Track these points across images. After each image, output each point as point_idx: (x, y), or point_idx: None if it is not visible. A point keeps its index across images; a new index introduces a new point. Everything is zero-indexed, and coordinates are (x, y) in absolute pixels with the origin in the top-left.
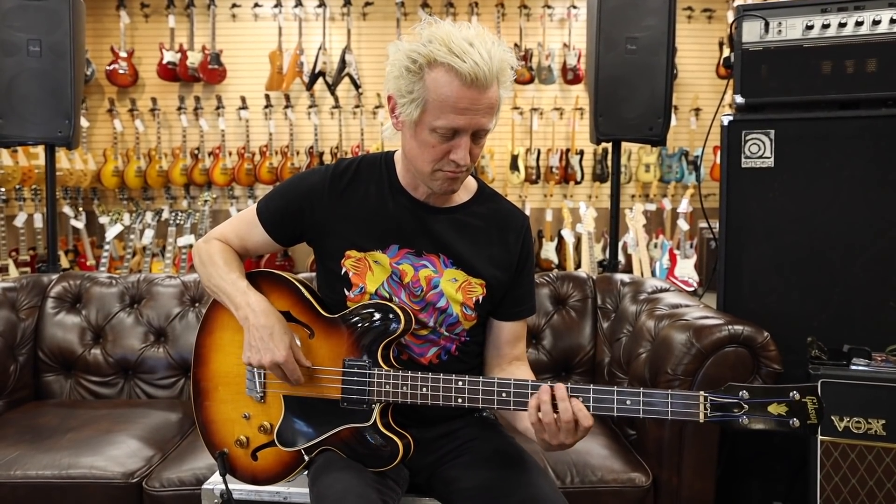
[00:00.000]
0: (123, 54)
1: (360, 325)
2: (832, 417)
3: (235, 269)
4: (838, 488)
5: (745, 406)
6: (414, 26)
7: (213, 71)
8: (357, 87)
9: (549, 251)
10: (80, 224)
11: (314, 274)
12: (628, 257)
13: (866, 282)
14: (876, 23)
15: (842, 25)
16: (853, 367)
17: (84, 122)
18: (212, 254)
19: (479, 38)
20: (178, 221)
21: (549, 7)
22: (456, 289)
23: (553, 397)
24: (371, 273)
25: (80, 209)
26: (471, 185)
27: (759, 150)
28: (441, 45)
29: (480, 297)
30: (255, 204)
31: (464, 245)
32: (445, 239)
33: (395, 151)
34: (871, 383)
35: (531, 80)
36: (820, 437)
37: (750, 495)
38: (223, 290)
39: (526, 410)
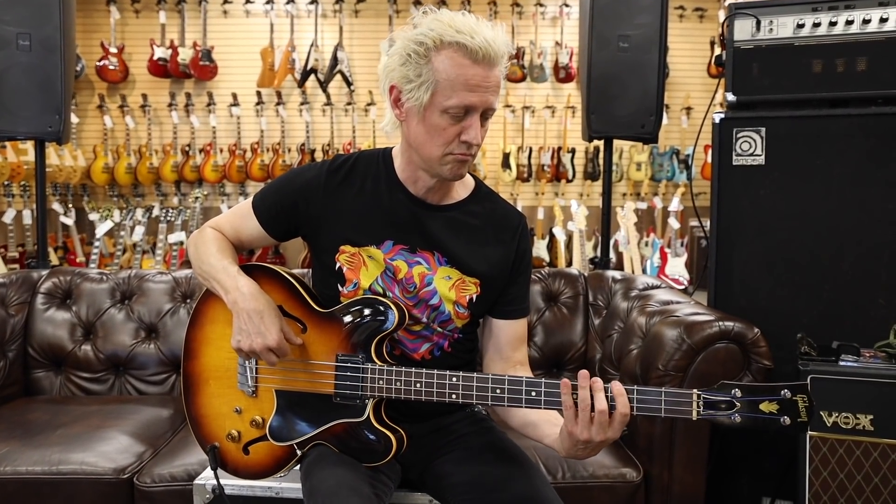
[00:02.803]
0: (114, 50)
1: (353, 319)
2: (821, 413)
3: (228, 255)
4: (827, 483)
5: (738, 404)
6: (410, 17)
7: (204, 67)
8: (349, 84)
9: (540, 249)
10: (69, 221)
11: (306, 270)
12: (619, 255)
13: (856, 279)
14: (866, 22)
15: (832, 24)
16: (842, 364)
17: (74, 119)
18: (206, 241)
19: (480, 21)
20: (168, 218)
21: (541, 5)
22: (449, 287)
23: (591, 386)
24: (365, 268)
25: (70, 206)
26: (468, 182)
27: (750, 148)
28: (447, 26)
29: (474, 296)
30: (252, 197)
31: (458, 243)
32: (440, 237)
33: (392, 147)
34: (859, 379)
35: (523, 79)
36: (809, 433)
37: (740, 490)
38: (213, 275)
39: (519, 406)
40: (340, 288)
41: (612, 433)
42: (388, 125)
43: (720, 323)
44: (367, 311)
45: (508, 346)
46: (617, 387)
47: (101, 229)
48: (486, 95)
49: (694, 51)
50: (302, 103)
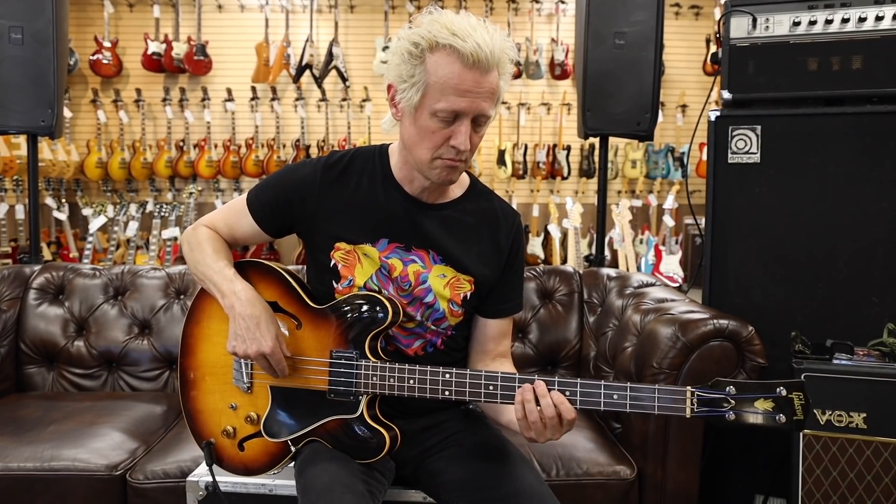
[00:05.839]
0: (107, 44)
1: (347, 315)
2: (814, 411)
3: (224, 257)
4: (819, 481)
5: (732, 401)
6: (411, 16)
7: (198, 62)
8: (344, 80)
9: (535, 246)
10: (62, 216)
11: (300, 266)
12: (614, 253)
13: (850, 277)
14: (861, 20)
15: (828, 22)
16: (835, 362)
17: (67, 113)
18: (200, 241)
19: (481, 24)
20: (162, 214)
21: (537, 2)
22: (444, 285)
23: (535, 394)
24: (360, 266)
25: (63, 201)
26: (464, 180)
27: (746, 146)
28: (443, 28)
29: (468, 294)
30: (246, 193)
31: (453, 242)
32: (435, 235)
33: (389, 144)
34: (852, 377)
35: (519, 75)
36: (802, 431)
37: (733, 488)
38: (210, 277)
39: (513, 404)
40: (335, 285)
41: (566, 428)
42: (386, 122)
43: (715, 321)
44: (361, 308)
45: (493, 340)
46: (556, 396)
47: (95, 224)
48: (478, 101)
49: (689, 48)
50: (297, 99)
